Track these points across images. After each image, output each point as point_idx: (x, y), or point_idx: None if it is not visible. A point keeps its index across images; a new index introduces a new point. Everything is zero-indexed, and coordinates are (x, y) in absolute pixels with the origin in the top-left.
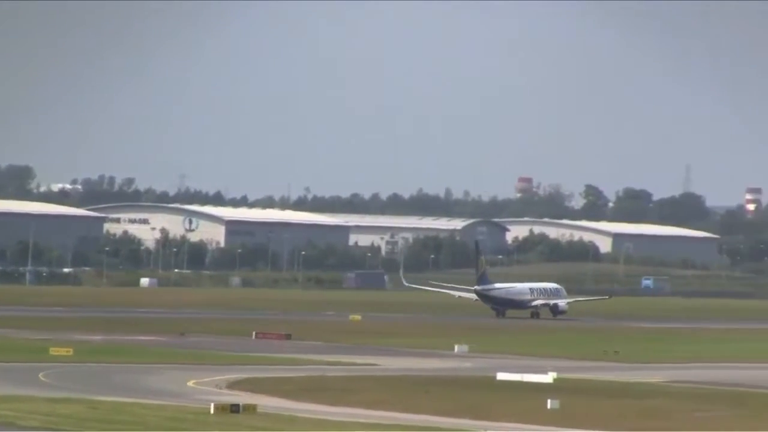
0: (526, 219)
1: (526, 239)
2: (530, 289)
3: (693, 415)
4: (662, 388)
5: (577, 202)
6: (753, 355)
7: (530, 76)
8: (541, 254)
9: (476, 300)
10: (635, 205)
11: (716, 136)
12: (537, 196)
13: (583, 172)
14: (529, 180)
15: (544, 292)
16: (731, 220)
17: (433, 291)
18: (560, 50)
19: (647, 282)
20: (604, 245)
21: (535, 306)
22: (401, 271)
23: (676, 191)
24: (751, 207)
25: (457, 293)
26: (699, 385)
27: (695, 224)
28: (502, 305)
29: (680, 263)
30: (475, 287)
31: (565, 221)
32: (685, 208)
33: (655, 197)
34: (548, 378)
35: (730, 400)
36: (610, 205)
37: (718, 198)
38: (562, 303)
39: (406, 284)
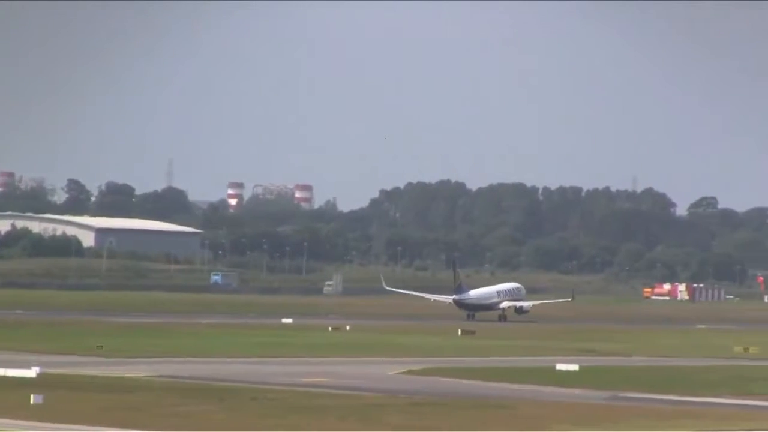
0: (8, 213)
1: (8, 234)
2: (497, 292)
3: (177, 409)
4: (146, 382)
5: (60, 197)
6: (236, 349)
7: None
8: (24, 249)
9: (450, 303)
10: (118, 199)
11: (197, 132)
12: (19, 190)
13: (65, 166)
14: (10, 174)
15: (509, 293)
16: (213, 215)
17: (410, 295)
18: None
19: (216, 278)
20: (88, 240)
21: (503, 308)
22: (381, 276)
23: (159, 186)
24: (233, 201)
25: (432, 297)
26: (182, 379)
27: (178, 219)
28: (475, 310)
29: (164, 257)
30: (453, 297)
31: (47, 215)
32: (168, 203)
33: (138, 192)
34: (31, 372)
35: (212, 395)
36: (93, 199)
37: (200, 193)
38: (526, 305)
39: (387, 288)
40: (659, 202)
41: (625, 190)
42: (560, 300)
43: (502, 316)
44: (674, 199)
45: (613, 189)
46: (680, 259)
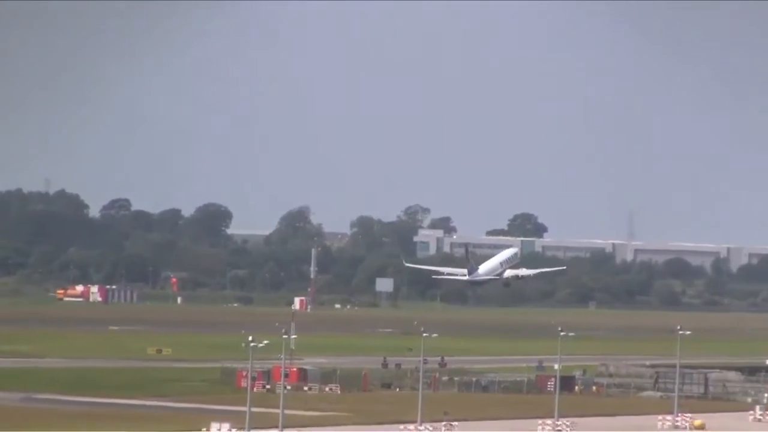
0: None
1: None
2: (500, 263)
3: None
4: None
5: None
6: None
7: None
8: None
9: (464, 277)
10: None
11: None
12: None
13: None
14: None
15: (508, 261)
16: None
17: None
18: None
19: None
20: None
21: (507, 277)
22: (401, 256)
23: None
24: None
25: (446, 272)
26: None
27: None
28: (486, 282)
29: None
30: (467, 277)
31: None
32: None
33: None
34: None
35: None
36: None
37: None
38: (526, 272)
39: (407, 265)
40: (72, 203)
41: (38, 192)
42: (554, 269)
43: (506, 284)
44: (87, 201)
45: (26, 191)
46: (93, 260)
